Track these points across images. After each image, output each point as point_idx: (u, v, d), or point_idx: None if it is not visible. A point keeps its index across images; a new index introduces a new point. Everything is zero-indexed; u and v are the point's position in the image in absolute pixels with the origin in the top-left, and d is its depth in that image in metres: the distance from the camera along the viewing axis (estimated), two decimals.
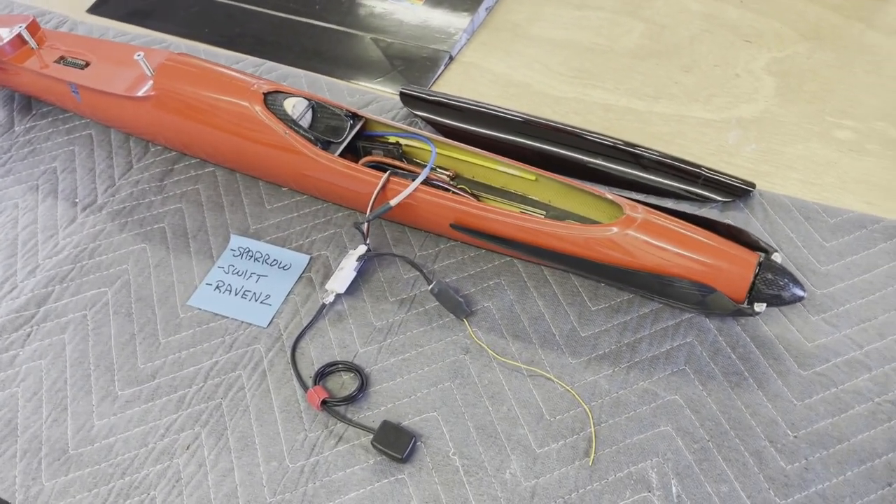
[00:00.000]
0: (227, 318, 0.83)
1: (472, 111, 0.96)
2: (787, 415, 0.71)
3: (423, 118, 0.98)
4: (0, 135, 1.07)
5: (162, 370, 0.79)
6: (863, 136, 0.95)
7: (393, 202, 0.81)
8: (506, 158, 0.85)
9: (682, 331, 0.77)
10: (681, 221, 0.75)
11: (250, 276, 0.86)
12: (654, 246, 0.73)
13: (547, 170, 0.84)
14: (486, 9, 1.15)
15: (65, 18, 1.22)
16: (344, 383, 0.77)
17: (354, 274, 0.83)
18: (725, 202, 0.87)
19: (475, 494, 0.69)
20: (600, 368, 0.75)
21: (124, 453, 0.74)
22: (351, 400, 0.74)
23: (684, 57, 1.07)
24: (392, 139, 0.90)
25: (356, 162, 0.88)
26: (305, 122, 0.88)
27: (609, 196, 0.79)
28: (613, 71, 1.06)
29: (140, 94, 0.90)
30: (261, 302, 0.84)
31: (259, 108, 0.85)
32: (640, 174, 0.89)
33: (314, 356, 0.79)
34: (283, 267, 0.87)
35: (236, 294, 0.85)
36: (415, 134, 0.88)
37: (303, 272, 0.86)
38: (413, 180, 0.81)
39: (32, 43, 1.01)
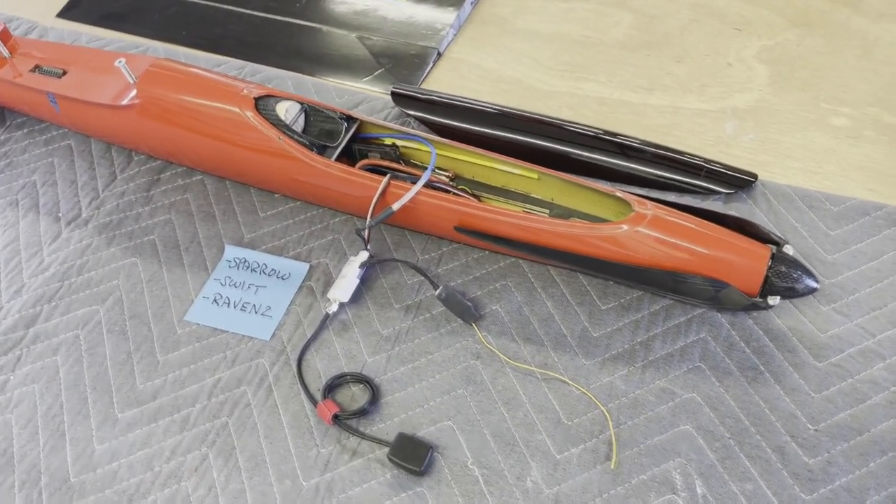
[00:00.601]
0: (228, 332, 0.80)
1: (466, 108, 0.94)
2: (806, 408, 0.70)
3: (415, 117, 0.96)
4: None
5: (163, 389, 0.76)
6: (858, 122, 0.94)
7: (395, 206, 0.79)
8: (507, 157, 0.83)
9: (694, 326, 0.76)
10: (690, 216, 0.74)
11: (248, 288, 0.83)
12: (665, 242, 0.72)
13: (547, 166, 0.82)
14: (472, 3, 1.13)
15: (34, 24, 1.18)
16: (354, 395, 0.75)
17: (357, 281, 0.81)
18: (728, 194, 0.86)
19: None
20: (615, 369, 0.74)
21: (129, 479, 0.72)
22: (363, 413, 0.72)
23: (675, 47, 1.06)
24: (388, 141, 0.88)
25: (352, 165, 0.85)
26: (299, 126, 0.85)
27: (616, 192, 0.77)
28: (604, 63, 1.05)
29: (124, 102, 0.86)
30: (261, 314, 0.81)
31: (251, 114, 0.83)
32: (642, 168, 0.88)
33: (321, 368, 0.77)
34: (282, 277, 0.84)
35: (235, 307, 0.82)
36: (412, 135, 0.86)
37: (303, 281, 0.83)
38: (413, 183, 0.79)
39: (5, 51, 0.96)
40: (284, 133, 0.82)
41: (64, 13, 1.19)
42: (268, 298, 0.82)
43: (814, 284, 0.71)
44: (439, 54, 1.07)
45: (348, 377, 0.75)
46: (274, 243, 0.87)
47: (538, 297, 0.80)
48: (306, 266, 0.85)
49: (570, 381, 0.73)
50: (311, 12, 1.15)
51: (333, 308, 0.79)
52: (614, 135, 0.89)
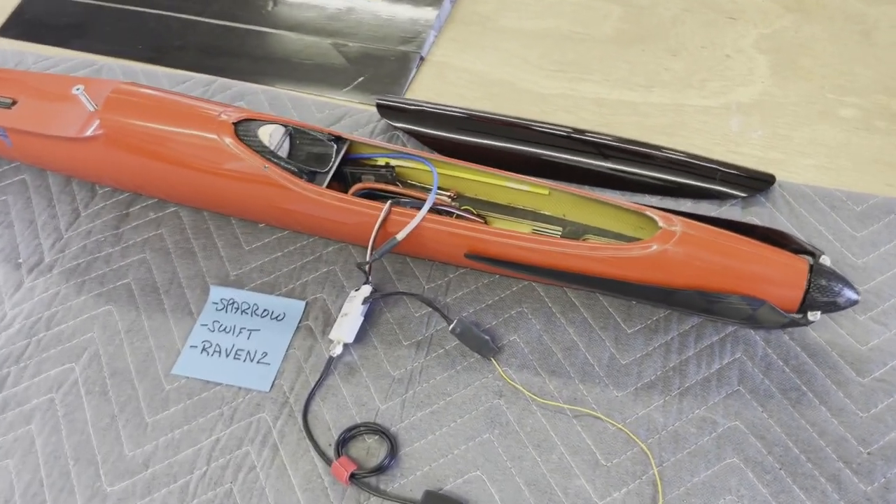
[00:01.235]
0: (222, 384, 0.73)
1: (460, 119, 0.87)
2: (855, 429, 0.66)
3: (405, 130, 0.89)
4: None
5: (155, 456, 0.69)
6: (867, 112, 0.90)
7: (399, 237, 0.72)
8: (513, 173, 0.77)
9: (728, 347, 0.71)
10: (720, 230, 0.69)
11: (240, 333, 0.76)
12: (697, 261, 0.67)
13: (554, 178, 0.77)
14: (451, 0, 1.06)
15: None
16: (370, 448, 0.68)
17: (361, 319, 0.74)
18: (745, 198, 0.82)
19: None
20: (650, 399, 0.69)
21: None
22: (382, 469, 0.66)
23: (669, 40, 1.00)
24: (382, 161, 0.81)
25: (345, 190, 0.78)
26: (284, 151, 0.78)
27: (634, 207, 0.72)
28: (597, 61, 0.99)
29: (87, 134, 0.77)
30: (258, 361, 0.74)
31: (230, 141, 0.75)
32: (654, 175, 0.83)
33: (330, 420, 0.70)
34: (277, 317, 0.77)
35: (227, 355, 0.75)
36: (408, 154, 0.79)
37: (300, 321, 0.76)
38: (417, 208, 0.73)
39: None
40: (270, 160, 0.75)
41: (4, 32, 1.09)
42: (263, 343, 0.75)
43: (855, 297, 0.66)
44: (422, 59, 1.00)
45: (362, 428, 0.69)
46: (263, 280, 0.80)
47: (558, 324, 0.74)
48: (302, 304, 0.77)
49: (603, 417, 0.68)
50: (279, 19, 1.06)
51: (337, 350, 0.72)
52: (625, 141, 0.84)
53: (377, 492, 0.65)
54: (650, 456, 0.65)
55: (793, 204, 0.81)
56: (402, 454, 0.67)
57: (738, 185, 0.82)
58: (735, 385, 0.69)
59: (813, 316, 0.66)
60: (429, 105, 0.89)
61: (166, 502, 0.66)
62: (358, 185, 0.78)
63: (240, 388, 0.72)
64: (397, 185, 0.80)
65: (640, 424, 0.67)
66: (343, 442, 0.68)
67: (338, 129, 0.85)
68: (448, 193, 0.79)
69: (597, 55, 1.00)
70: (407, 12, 1.05)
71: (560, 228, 0.78)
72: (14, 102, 0.83)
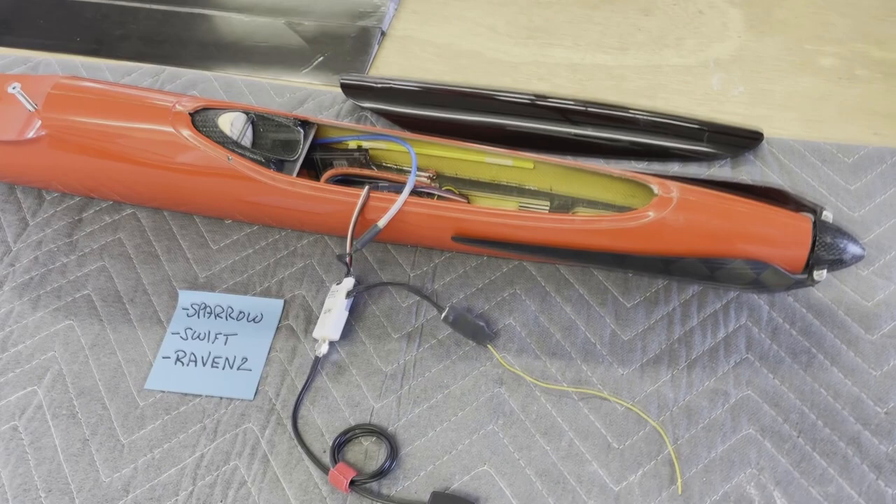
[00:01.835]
0: (201, 396, 0.68)
1: (433, 94, 0.83)
2: (870, 389, 0.64)
3: (373, 110, 0.84)
4: None
5: (134, 480, 0.63)
6: (847, 61, 0.88)
7: (381, 223, 0.67)
8: (495, 147, 0.72)
9: (732, 313, 0.69)
10: (718, 193, 0.66)
11: (216, 339, 0.71)
12: (698, 227, 0.64)
13: (537, 150, 0.72)
14: None
15: None
16: (368, 451, 0.64)
17: (346, 314, 0.69)
18: (734, 157, 0.79)
19: None
20: (658, 374, 0.66)
21: None
22: (384, 473, 0.62)
23: None
24: (353, 144, 0.76)
25: (316, 178, 0.73)
26: (247, 140, 0.72)
27: (626, 175, 0.68)
28: (567, 24, 0.95)
29: (29, 136, 0.71)
30: (238, 368, 0.69)
31: (188, 133, 0.69)
32: (638, 139, 0.79)
33: (322, 424, 0.65)
34: (254, 319, 0.72)
35: (204, 364, 0.69)
36: (381, 135, 0.74)
37: (279, 321, 0.71)
38: (395, 192, 0.68)
39: None
40: (233, 151, 0.69)
41: None
42: (242, 348, 0.70)
43: (861, 252, 0.64)
44: (383, 34, 0.95)
45: (357, 430, 0.64)
46: (236, 280, 0.74)
47: (554, 303, 0.70)
48: (280, 302, 0.72)
49: (610, 397, 0.65)
50: (226, 0, 0.99)
51: (323, 349, 0.68)
52: (606, 106, 0.80)
53: (380, 497, 0.61)
54: (663, 434, 0.62)
55: (782, 160, 0.78)
56: (403, 454, 0.63)
57: (725, 144, 0.79)
58: (743, 353, 0.66)
59: (819, 275, 0.63)
60: (398, 81, 0.85)
61: None
62: (331, 172, 0.73)
63: (221, 398, 0.67)
64: (372, 169, 0.75)
65: (649, 402, 0.64)
66: (338, 447, 0.63)
67: (302, 114, 0.79)
68: (427, 174, 0.74)
69: (565, 19, 0.96)
70: None
71: (548, 203, 0.74)
72: None
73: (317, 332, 0.69)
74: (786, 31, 0.92)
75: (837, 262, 0.63)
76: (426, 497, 0.60)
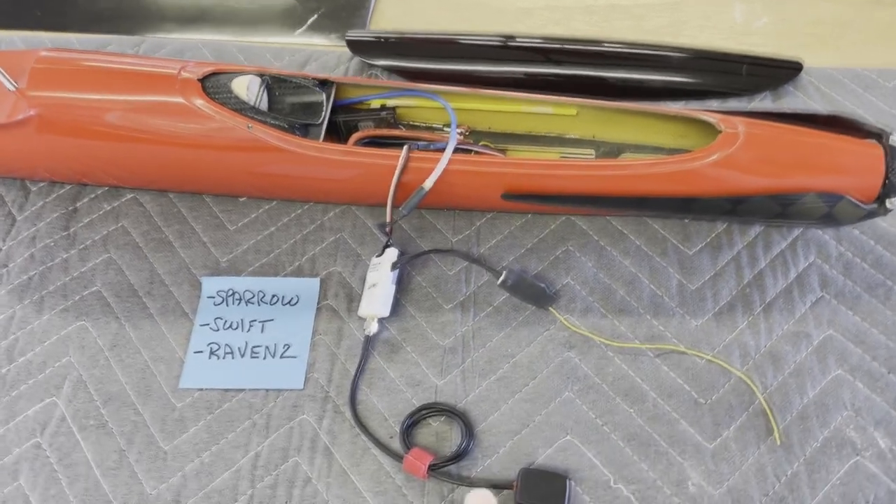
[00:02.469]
0: (245, 390, 0.61)
1: (452, 45, 0.77)
2: None
3: (385, 67, 0.78)
4: None
5: (185, 489, 0.57)
6: None
7: (427, 184, 0.61)
8: (533, 94, 0.67)
9: (800, 251, 0.65)
10: (785, 126, 0.62)
11: (251, 327, 0.64)
12: (768, 162, 0.60)
13: (570, 95, 0.67)
14: None
15: None
16: (438, 432, 0.59)
17: (394, 288, 0.64)
18: (774, 89, 0.75)
19: None
20: (734, 322, 0.62)
21: None
22: (463, 454, 0.57)
23: None
24: (377, 103, 0.69)
25: (341, 143, 0.67)
26: (263, 105, 0.65)
27: (684, 112, 0.64)
28: None
29: (16, 118, 0.62)
30: (281, 356, 0.63)
31: (201, 102, 0.62)
32: (675, 78, 0.75)
33: (384, 408, 0.60)
34: (290, 302, 0.65)
35: (242, 355, 0.63)
36: (409, 90, 0.68)
37: (318, 302, 0.65)
38: (436, 150, 0.62)
39: None
40: (253, 118, 0.62)
41: None
42: (281, 334, 0.64)
43: None
44: None
45: (424, 411, 0.59)
46: (262, 261, 0.68)
47: (612, 257, 0.66)
48: (316, 281, 0.66)
49: (689, 351, 0.61)
50: None
51: (373, 328, 0.62)
52: (639, 46, 0.75)
53: (463, 481, 0.56)
54: (751, 384, 0.59)
55: (823, 89, 0.75)
56: (478, 432, 0.58)
57: (765, 77, 0.75)
58: (818, 291, 0.63)
59: (891, 203, 0.61)
60: (414, 33, 0.78)
61: None
62: (358, 134, 0.67)
63: (268, 390, 0.61)
64: (401, 129, 0.69)
65: (730, 352, 0.61)
66: (407, 431, 0.58)
67: (334, 77, 0.72)
68: (461, 130, 0.69)
69: None
70: None
71: (592, 151, 0.69)
72: None
73: (363, 310, 0.63)
74: None
75: None
76: (511, 475, 0.56)
